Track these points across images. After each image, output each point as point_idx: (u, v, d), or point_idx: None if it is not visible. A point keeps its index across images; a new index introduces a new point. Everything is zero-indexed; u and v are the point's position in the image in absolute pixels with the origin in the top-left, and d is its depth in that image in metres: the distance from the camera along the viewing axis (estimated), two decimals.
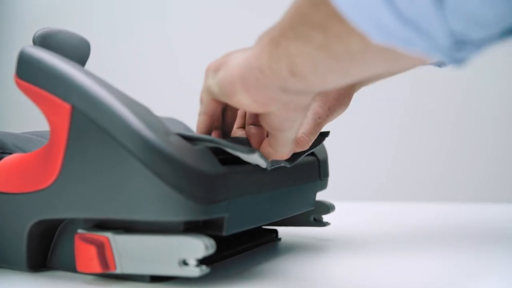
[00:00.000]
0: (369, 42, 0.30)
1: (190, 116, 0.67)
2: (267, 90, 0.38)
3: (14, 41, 1.78)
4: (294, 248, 0.56)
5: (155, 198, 0.38)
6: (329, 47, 0.32)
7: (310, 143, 0.51)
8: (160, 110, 0.60)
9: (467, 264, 0.51)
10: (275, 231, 0.60)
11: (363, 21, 0.29)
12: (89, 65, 0.52)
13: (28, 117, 1.01)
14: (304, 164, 0.52)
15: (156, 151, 0.38)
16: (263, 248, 0.56)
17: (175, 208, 0.38)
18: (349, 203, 0.87)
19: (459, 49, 0.28)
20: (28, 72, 0.43)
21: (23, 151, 0.49)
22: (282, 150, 0.44)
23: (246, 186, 0.43)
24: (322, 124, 0.52)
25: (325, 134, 0.54)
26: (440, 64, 0.56)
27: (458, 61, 0.29)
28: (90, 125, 0.40)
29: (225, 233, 0.42)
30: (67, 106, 0.41)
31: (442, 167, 1.33)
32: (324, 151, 0.58)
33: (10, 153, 0.48)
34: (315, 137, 0.51)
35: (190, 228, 0.42)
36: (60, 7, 1.75)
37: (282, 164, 0.48)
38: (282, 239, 0.60)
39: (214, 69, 0.43)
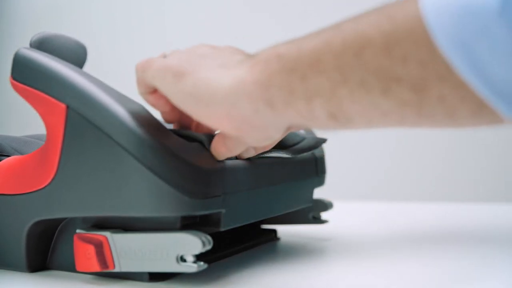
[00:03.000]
0: (482, 110, 0.27)
1: None
2: (267, 128, 0.34)
3: (14, 43, 1.79)
4: (293, 248, 0.56)
5: (151, 194, 0.39)
6: (419, 106, 0.28)
7: None
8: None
9: (467, 263, 0.51)
10: (274, 231, 0.60)
11: (500, 97, 0.26)
12: (89, 65, 0.53)
13: (28, 120, 1.02)
14: (301, 160, 0.53)
15: (151, 148, 0.38)
16: (262, 248, 0.56)
17: (171, 204, 0.38)
18: (348, 203, 0.87)
19: None
20: (23, 73, 0.43)
21: (21, 153, 0.50)
22: (236, 152, 0.40)
23: (242, 181, 0.43)
24: None
25: (322, 141, 0.55)
26: None
27: None
28: (85, 124, 0.41)
29: (222, 228, 0.42)
30: (62, 106, 0.41)
31: (441, 166, 1.33)
32: (321, 148, 0.58)
33: (7, 156, 0.48)
34: None
35: (187, 224, 0.42)
36: (60, 9, 1.76)
37: (282, 155, 0.47)
38: (282, 239, 0.60)
39: (175, 74, 0.36)
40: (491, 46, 0.25)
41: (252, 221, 0.47)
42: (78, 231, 0.43)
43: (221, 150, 0.40)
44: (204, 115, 0.35)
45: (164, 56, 0.41)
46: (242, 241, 0.54)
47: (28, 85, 0.43)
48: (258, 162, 0.46)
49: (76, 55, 0.51)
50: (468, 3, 0.25)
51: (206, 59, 0.36)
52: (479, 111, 0.27)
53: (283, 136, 0.38)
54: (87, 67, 0.51)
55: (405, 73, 0.27)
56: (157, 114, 0.45)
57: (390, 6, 0.28)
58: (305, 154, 0.54)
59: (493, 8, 0.24)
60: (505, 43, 0.24)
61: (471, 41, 0.25)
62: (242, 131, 0.35)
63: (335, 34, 0.29)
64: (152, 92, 0.41)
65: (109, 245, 0.42)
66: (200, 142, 0.42)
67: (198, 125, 0.43)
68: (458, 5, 0.25)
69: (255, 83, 0.32)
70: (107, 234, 0.42)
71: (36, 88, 0.42)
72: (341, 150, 1.22)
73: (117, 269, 0.42)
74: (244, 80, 0.32)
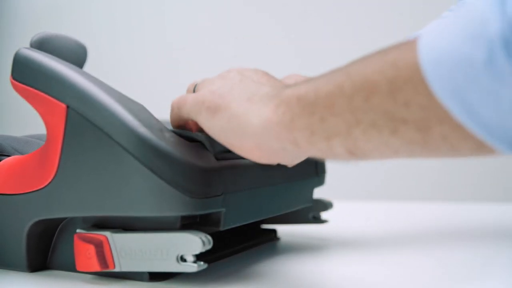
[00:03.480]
0: (483, 147, 0.29)
1: None
2: (293, 159, 0.38)
3: (14, 43, 1.79)
4: (293, 248, 0.56)
5: (152, 194, 0.39)
6: (426, 143, 0.30)
7: None
8: (159, 111, 0.60)
9: (467, 263, 0.51)
10: (274, 231, 0.60)
11: (497, 139, 0.28)
12: (89, 65, 0.53)
13: (28, 120, 1.02)
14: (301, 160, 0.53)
15: (151, 148, 0.38)
16: (262, 248, 0.56)
17: (172, 204, 0.38)
18: (348, 202, 0.87)
19: None
20: (23, 73, 0.43)
21: (21, 153, 0.50)
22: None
23: (242, 181, 0.43)
24: None
25: None
26: None
27: None
28: (85, 124, 0.41)
29: (222, 228, 0.42)
30: (62, 106, 0.41)
31: (441, 166, 1.33)
32: None
33: (8, 156, 0.48)
34: None
35: (187, 224, 0.42)
36: (60, 9, 1.75)
37: None
38: (281, 239, 0.60)
39: (209, 108, 0.39)
40: (481, 94, 0.27)
41: (252, 221, 0.47)
42: (78, 231, 0.43)
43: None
44: (237, 146, 0.39)
45: (195, 85, 0.45)
46: (242, 241, 0.54)
47: (28, 85, 0.43)
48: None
49: (76, 55, 0.52)
50: (459, 54, 0.27)
51: (235, 91, 0.39)
52: (480, 147, 0.29)
53: None
54: (87, 67, 0.51)
55: (409, 116, 0.30)
56: (157, 114, 0.45)
57: (393, 51, 0.31)
58: None
59: (480, 60, 0.26)
60: (492, 91, 0.27)
61: (463, 90, 0.27)
62: (271, 160, 0.39)
63: (345, 78, 0.32)
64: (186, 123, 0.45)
65: (109, 245, 0.42)
66: (200, 142, 0.42)
67: None
68: (450, 56, 0.28)
69: (280, 124, 0.35)
70: (107, 234, 0.42)
71: (36, 88, 0.42)
72: None
73: (117, 269, 0.42)
74: (270, 120, 0.36)
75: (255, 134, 0.36)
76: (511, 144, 0.28)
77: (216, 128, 0.39)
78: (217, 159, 0.42)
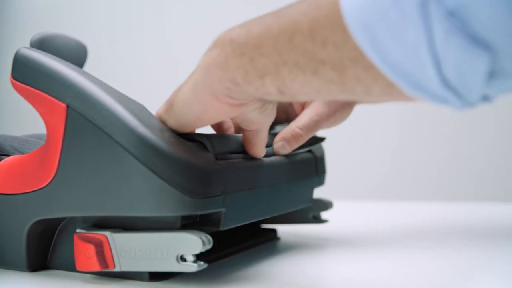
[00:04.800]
0: (392, 88, 0.30)
1: None
2: (242, 96, 0.38)
3: (14, 43, 1.79)
4: (293, 247, 0.56)
5: (152, 194, 0.39)
6: (342, 84, 0.32)
7: (305, 138, 0.51)
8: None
9: (467, 262, 0.51)
10: (274, 230, 0.60)
11: (401, 78, 0.29)
12: (89, 65, 0.53)
13: (28, 120, 1.02)
14: (301, 160, 0.53)
15: (151, 147, 0.38)
16: (262, 247, 0.56)
17: (172, 204, 0.38)
18: (348, 202, 0.87)
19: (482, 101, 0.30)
20: (23, 73, 0.43)
21: (21, 153, 0.50)
22: (263, 141, 0.45)
23: (242, 181, 0.43)
24: (319, 123, 0.52)
25: (320, 139, 0.55)
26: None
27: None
28: (85, 124, 0.41)
29: (222, 228, 0.42)
30: (62, 106, 0.41)
31: (441, 166, 1.33)
32: (321, 148, 0.58)
33: (8, 155, 0.48)
34: (311, 134, 0.52)
35: (187, 224, 0.42)
36: (60, 9, 1.75)
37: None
38: (282, 238, 0.60)
39: (167, 109, 0.41)
40: (389, 31, 0.27)
41: (252, 220, 0.47)
42: (78, 230, 0.43)
43: (253, 149, 0.45)
44: (201, 113, 0.39)
45: None
46: (242, 241, 0.54)
47: (29, 85, 0.43)
48: (258, 162, 0.46)
49: (76, 55, 0.52)
50: None
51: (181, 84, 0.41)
52: (390, 89, 0.30)
53: (270, 111, 0.42)
54: (87, 67, 0.51)
55: (326, 56, 0.31)
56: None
57: None
58: (305, 154, 0.54)
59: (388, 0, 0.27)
60: (398, 28, 0.27)
61: (374, 26, 0.28)
62: (232, 106, 0.39)
63: (274, 20, 0.33)
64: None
65: (109, 245, 0.42)
66: (200, 142, 0.42)
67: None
68: None
69: (216, 66, 0.36)
70: (107, 233, 0.42)
71: (36, 88, 0.42)
72: (341, 150, 1.22)
73: (117, 269, 0.42)
74: (208, 64, 0.37)
75: (203, 85, 0.37)
76: (414, 84, 0.29)
77: (179, 115, 0.40)
78: (217, 159, 0.42)
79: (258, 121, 0.43)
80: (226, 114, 0.40)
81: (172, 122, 0.41)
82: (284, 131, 0.51)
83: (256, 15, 0.37)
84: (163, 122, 0.42)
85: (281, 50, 0.33)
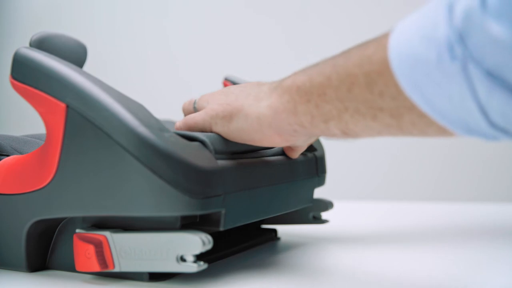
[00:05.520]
0: (445, 131, 0.34)
1: None
2: (306, 138, 0.44)
3: (14, 43, 1.79)
4: (293, 247, 0.56)
5: (152, 194, 0.39)
6: (400, 128, 0.36)
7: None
8: (159, 111, 0.61)
9: (467, 262, 0.51)
10: (275, 230, 0.60)
11: (453, 124, 0.32)
12: (89, 65, 0.52)
13: (28, 120, 1.02)
14: (301, 160, 0.53)
15: (151, 147, 0.38)
16: (262, 247, 0.56)
17: (172, 203, 0.38)
18: (348, 203, 0.87)
19: None
20: (23, 73, 0.43)
21: (20, 153, 0.50)
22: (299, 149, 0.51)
23: (242, 181, 0.43)
24: None
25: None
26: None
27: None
28: (85, 123, 0.40)
29: (222, 228, 0.42)
30: (61, 105, 0.41)
31: (441, 166, 1.33)
32: (321, 148, 0.58)
33: (7, 155, 0.48)
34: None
35: (187, 224, 0.42)
36: (60, 9, 1.75)
37: None
38: (282, 238, 0.60)
39: (224, 117, 0.44)
40: (435, 88, 0.32)
41: (252, 221, 0.46)
42: (77, 230, 0.43)
43: (292, 153, 0.51)
44: (258, 139, 0.44)
45: (194, 102, 0.50)
46: (242, 241, 0.54)
47: (28, 85, 0.43)
48: (258, 162, 0.46)
49: (76, 55, 0.51)
50: (416, 53, 0.32)
51: (241, 97, 0.45)
52: (443, 131, 0.34)
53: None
54: (87, 67, 0.51)
55: (384, 105, 0.35)
56: (157, 114, 0.45)
57: (370, 46, 0.35)
58: (305, 154, 0.54)
59: (432, 59, 0.31)
60: (443, 86, 0.31)
61: (422, 84, 0.32)
62: (289, 141, 0.44)
63: (332, 71, 0.37)
64: None
65: (108, 245, 0.42)
66: (200, 142, 0.42)
67: None
68: (410, 54, 0.32)
69: (286, 111, 0.41)
70: (106, 233, 0.42)
71: (36, 88, 0.42)
72: (341, 150, 1.22)
73: (116, 269, 0.42)
74: (278, 108, 0.41)
75: (270, 123, 0.42)
76: (465, 129, 0.32)
77: (236, 131, 0.44)
78: (217, 159, 0.42)
79: (303, 146, 0.49)
80: (279, 145, 0.45)
81: (221, 129, 0.45)
82: None
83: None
84: (205, 125, 0.45)
85: (342, 99, 0.37)
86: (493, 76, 0.30)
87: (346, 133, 0.39)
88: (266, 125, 0.42)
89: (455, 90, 0.31)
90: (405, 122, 0.35)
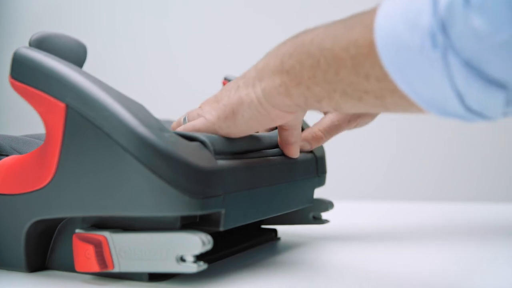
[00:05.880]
0: (425, 111, 0.35)
1: None
2: (304, 111, 0.47)
3: (14, 43, 1.79)
4: (293, 247, 0.56)
5: (151, 194, 0.38)
6: (384, 107, 0.38)
7: (325, 140, 0.56)
8: (159, 111, 0.60)
9: (467, 262, 0.51)
10: (275, 230, 0.60)
11: (431, 106, 0.34)
12: (89, 65, 0.52)
13: (27, 120, 1.02)
14: (302, 160, 0.53)
15: (151, 147, 0.38)
16: (262, 247, 0.56)
17: (171, 203, 0.38)
18: (348, 203, 0.87)
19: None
20: (22, 72, 0.43)
21: (20, 153, 0.50)
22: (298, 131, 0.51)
23: (242, 181, 0.43)
24: (340, 128, 0.56)
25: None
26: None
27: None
28: (84, 123, 0.40)
29: (222, 228, 0.42)
30: (61, 105, 0.41)
31: (441, 166, 1.33)
32: (321, 148, 0.58)
33: (6, 155, 0.48)
34: (331, 137, 0.56)
35: (187, 224, 0.42)
36: (60, 9, 1.75)
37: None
38: (282, 238, 0.60)
39: (227, 117, 0.45)
40: (417, 72, 0.33)
41: (252, 221, 0.46)
42: (77, 231, 0.43)
43: (290, 149, 0.51)
44: (267, 123, 0.45)
45: (185, 120, 0.50)
46: (242, 241, 0.54)
47: (28, 84, 0.42)
48: (258, 162, 0.46)
49: (76, 54, 0.51)
50: (400, 39, 0.33)
51: (233, 92, 0.45)
52: (423, 112, 0.36)
53: None
54: (86, 67, 0.50)
55: (369, 87, 0.36)
56: (157, 114, 0.45)
57: (356, 28, 0.36)
58: (305, 154, 0.54)
59: (415, 46, 0.32)
60: (424, 71, 0.33)
61: (405, 68, 0.33)
62: (295, 114, 0.46)
63: (320, 54, 0.38)
64: None
65: (108, 245, 0.41)
66: (200, 142, 0.42)
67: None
68: (395, 39, 0.33)
69: (282, 94, 0.42)
70: (106, 234, 0.42)
71: (35, 87, 0.42)
72: (342, 150, 1.22)
73: (116, 269, 0.42)
74: (272, 93, 0.43)
75: (273, 103, 0.43)
76: (443, 111, 0.34)
77: (244, 123, 0.45)
78: (217, 159, 0.42)
79: (299, 120, 0.50)
80: (289, 119, 0.46)
81: (228, 131, 0.45)
82: (306, 132, 0.56)
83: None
84: (213, 128, 0.45)
85: (331, 81, 0.38)
86: (470, 66, 0.31)
87: (338, 110, 0.41)
88: (269, 106, 0.43)
89: (434, 76, 0.33)
90: (388, 103, 0.37)
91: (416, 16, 0.32)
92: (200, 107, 0.48)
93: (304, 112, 0.48)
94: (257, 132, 0.50)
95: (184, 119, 0.50)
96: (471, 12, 0.31)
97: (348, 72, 0.37)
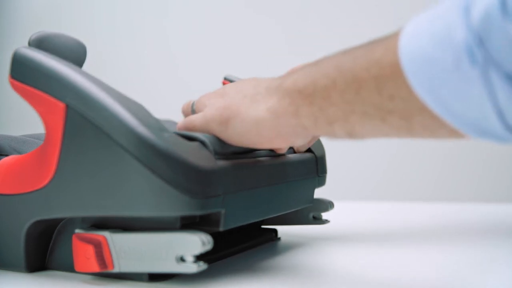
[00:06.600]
0: (457, 132, 0.33)
1: None
2: (309, 137, 0.44)
3: (14, 43, 1.79)
4: (293, 247, 0.56)
5: (151, 194, 0.38)
6: (410, 130, 0.35)
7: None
8: (159, 111, 0.60)
9: (467, 262, 0.51)
10: (275, 231, 0.60)
11: (466, 127, 0.32)
12: (89, 65, 0.52)
13: (27, 120, 1.01)
14: (302, 160, 0.53)
15: (151, 147, 0.38)
16: (262, 247, 0.56)
17: (171, 203, 0.38)
18: (348, 203, 0.87)
19: None
20: (22, 72, 0.43)
21: (19, 153, 0.50)
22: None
23: (242, 181, 0.43)
24: None
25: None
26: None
27: None
28: (84, 123, 0.40)
29: (221, 228, 0.42)
30: (61, 105, 0.41)
31: (441, 166, 1.33)
32: (321, 148, 0.58)
33: (6, 155, 0.48)
34: None
35: (187, 224, 0.42)
36: (60, 9, 1.75)
37: None
38: (282, 239, 0.60)
39: (221, 122, 0.44)
40: (451, 91, 0.31)
41: (252, 221, 0.46)
42: (77, 231, 0.43)
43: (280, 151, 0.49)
44: (259, 142, 0.44)
45: (192, 104, 0.50)
46: (242, 241, 0.54)
47: (27, 84, 0.42)
48: (258, 162, 0.46)
49: (75, 54, 0.51)
50: (431, 57, 0.31)
51: (237, 99, 0.44)
52: (454, 133, 0.34)
53: None
54: (87, 67, 0.50)
55: (394, 107, 0.34)
56: (157, 114, 0.44)
57: (377, 49, 0.35)
58: (305, 154, 0.54)
59: (448, 63, 0.31)
60: (460, 90, 0.31)
61: (437, 87, 0.32)
62: (290, 142, 0.44)
63: (337, 74, 0.37)
64: None
65: (108, 245, 0.41)
66: (200, 142, 0.42)
67: None
68: (424, 58, 0.32)
69: (288, 114, 0.41)
70: (106, 234, 0.41)
71: (35, 87, 0.42)
72: (342, 150, 1.22)
73: (116, 270, 0.41)
74: (278, 111, 0.41)
75: (270, 126, 0.42)
76: (478, 131, 0.32)
77: (234, 135, 0.43)
78: (217, 159, 0.42)
79: (304, 146, 0.50)
80: (279, 146, 0.45)
81: (219, 134, 0.44)
82: None
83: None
84: (203, 129, 0.44)
85: (349, 101, 0.36)
86: None
87: (351, 135, 0.39)
88: (265, 128, 0.42)
89: (473, 93, 0.31)
90: (415, 124, 0.34)
91: (446, 32, 0.31)
92: (204, 103, 0.47)
93: (310, 137, 0.45)
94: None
95: (192, 104, 0.49)
96: (510, 20, 0.28)
97: (370, 92, 0.35)
